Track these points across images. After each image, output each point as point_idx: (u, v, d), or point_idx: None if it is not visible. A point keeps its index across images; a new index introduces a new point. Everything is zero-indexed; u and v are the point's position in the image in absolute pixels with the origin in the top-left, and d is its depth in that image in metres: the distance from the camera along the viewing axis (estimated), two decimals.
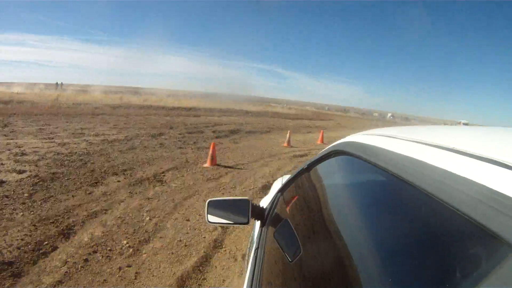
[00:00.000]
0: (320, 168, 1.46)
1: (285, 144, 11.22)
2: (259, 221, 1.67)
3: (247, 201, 1.43)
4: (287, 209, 1.51)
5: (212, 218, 1.46)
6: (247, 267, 1.59)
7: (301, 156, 9.42)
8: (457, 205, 0.49)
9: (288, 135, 11.55)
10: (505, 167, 0.50)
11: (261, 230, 1.55)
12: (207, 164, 6.97)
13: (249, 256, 1.75)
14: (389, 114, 77.92)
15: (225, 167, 7.10)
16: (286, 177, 2.20)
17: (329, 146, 1.40)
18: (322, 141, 13.15)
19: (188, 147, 9.13)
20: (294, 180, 1.68)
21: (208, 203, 1.47)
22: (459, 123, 75.75)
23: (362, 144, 1.06)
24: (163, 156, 7.56)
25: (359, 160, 1.01)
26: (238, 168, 7.08)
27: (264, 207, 1.67)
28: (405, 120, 68.03)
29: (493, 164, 0.53)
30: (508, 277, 0.38)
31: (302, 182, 1.59)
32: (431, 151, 0.71)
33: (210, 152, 7.03)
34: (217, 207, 1.47)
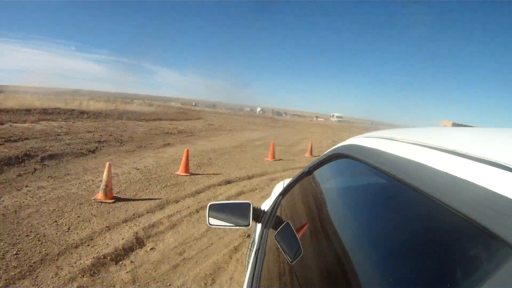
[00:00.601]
0: (321, 171, 1.50)
1: (100, 196, 4.71)
2: (260, 224, 1.64)
3: (248, 204, 1.46)
4: (288, 212, 1.54)
5: (213, 221, 1.45)
6: (247, 269, 1.58)
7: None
8: (457, 207, 0.49)
9: (105, 173, 4.68)
10: (505, 169, 0.50)
11: (262, 232, 1.55)
12: None
13: (249, 257, 1.80)
14: (259, 109, 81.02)
15: None
16: (287, 181, 2.10)
17: (330, 149, 1.40)
18: (186, 168, 6.87)
19: None
20: (296, 184, 1.70)
21: (210, 206, 1.47)
22: (332, 116, 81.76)
23: (363, 147, 1.07)
24: None
25: (360, 163, 1.01)
26: None
27: (265, 210, 1.66)
28: (277, 114, 70.61)
29: (493, 166, 0.53)
30: (509, 278, 0.38)
31: (303, 185, 1.62)
32: (431, 153, 0.72)
33: None
34: (218, 210, 1.46)
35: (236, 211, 1.45)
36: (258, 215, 1.59)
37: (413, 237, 0.68)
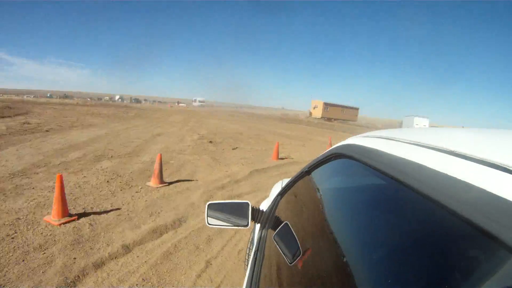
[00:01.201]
0: (320, 171, 1.46)
1: None
2: (259, 224, 1.62)
3: (247, 204, 1.44)
4: (287, 212, 1.51)
5: (212, 221, 1.43)
6: (246, 269, 1.54)
7: None
8: (456, 208, 0.49)
9: None
10: (503, 171, 0.49)
11: (261, 233, 1.53)
12: None
13: (248, 258, 1.80)
14: (117, 97, 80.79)
15: None
16: (286, 181, 2.08)
17: (329, 149, 1.37)
18: None
19: None
20: (294, 184, 1.67)
21: (208, 206, 1.44)
22: (195, 100, 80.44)
23: (362, 146, 1.05)
24: None
25: (359, 163, 0.99)
26: None
27: (264, 210, 1.64)
28: (136, 102, 69.01)
29: (493, 167, 0.52)
30: (508, 279, 0.39)
31: (302, 185, 1.59)
32: (430, 154, 0.71)
33: None
34: (217, 210, 1.44)
35: (235, 211, 1.42)
36: (257, 215, 1.56)
37: (412, 238, 0.67)
